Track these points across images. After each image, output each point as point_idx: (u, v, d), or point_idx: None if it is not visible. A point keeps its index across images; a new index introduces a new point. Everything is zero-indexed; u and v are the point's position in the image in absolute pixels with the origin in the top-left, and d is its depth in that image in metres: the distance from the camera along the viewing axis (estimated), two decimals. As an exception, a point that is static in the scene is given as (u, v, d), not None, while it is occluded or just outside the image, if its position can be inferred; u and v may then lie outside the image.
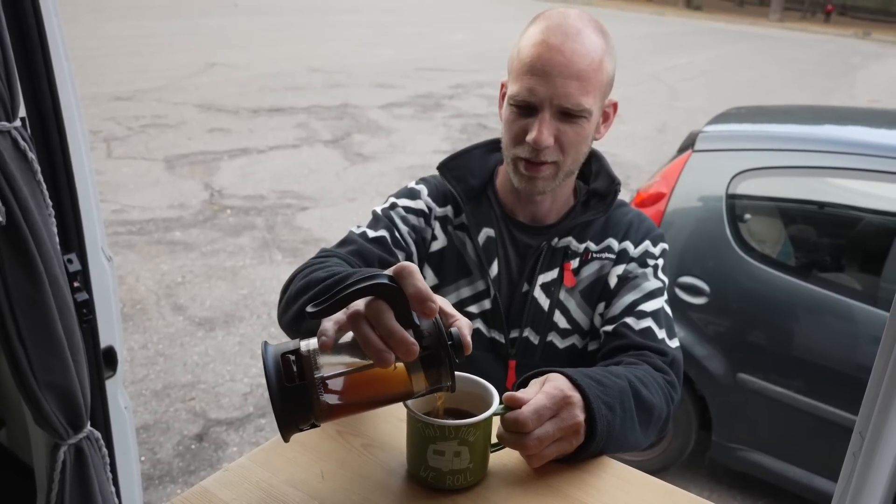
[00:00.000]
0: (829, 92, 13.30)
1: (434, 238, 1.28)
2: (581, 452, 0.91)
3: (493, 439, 0.87)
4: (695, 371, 2.83)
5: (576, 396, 0.89)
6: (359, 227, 1.26)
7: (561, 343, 1.24)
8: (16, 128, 1.04)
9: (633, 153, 8.03)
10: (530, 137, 1.13)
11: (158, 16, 16.85)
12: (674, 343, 1.18)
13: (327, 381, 0.74)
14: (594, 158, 1.31)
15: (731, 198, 2.81)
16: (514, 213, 1.28)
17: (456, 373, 0.85)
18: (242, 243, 5.05)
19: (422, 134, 8.28)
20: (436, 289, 1.27)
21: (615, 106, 1.24)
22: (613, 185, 1.27)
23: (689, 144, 3.06)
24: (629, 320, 1.18)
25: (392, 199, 1.30)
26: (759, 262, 2.74)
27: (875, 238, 2.91)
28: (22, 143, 1.05)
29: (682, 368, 1.17)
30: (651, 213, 2.89)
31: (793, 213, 3.06)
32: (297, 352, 0.75)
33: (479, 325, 1.26)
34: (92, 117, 7.48)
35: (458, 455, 0.82)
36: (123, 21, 15.50)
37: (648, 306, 1.19)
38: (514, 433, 0.85)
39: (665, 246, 1.28)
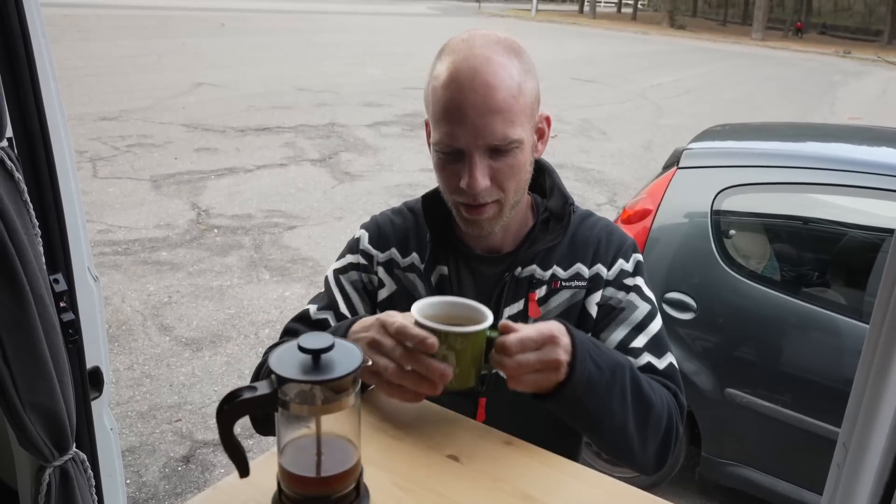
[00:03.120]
0: (811, 109, 13.48)
1: (381, 285, 1.24)
2: (560, 391, 0.94)
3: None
4: (683, 386, 2.83)
5: (563, 339, 0.94)
6: (311, 302, 1.23)
7: None
8: (2, 148, 1.05)
9: (619, 170, 8.09)
10: (464, 184, 1.06)
11: (145, 36, 16.89)
12: (673, 361, 1.19)
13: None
14: (546, 173, 1.25)
15: (717, 214, 2.83)
16: (471, 246, 1.22)
17: (462, 299, 0.99)
18: (229, 263, 5.03)
19: (409, 152, 8.31)
20: None
21: (548, 119, 1.16)
22: (567, 205, 1.20)
23: (674, 161, 3.09)
24: None
25: (336, 265, 1.26)
26: (745, 277, 2.76)
27: (859, 253, 2.94)
28: (9, 162, 1.06)
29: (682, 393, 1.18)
30: (637, 229, 2.91)
31: (777, 229, 3.09)
32: None
33: None
34: (78, 137, 7.46)
35: (446, 360, 0.92)
36: (110, 41, 15.53)
37: (640, 341, 1.16)
38: (499, 354, 0.92)
39: (639, 257, 1.22)
